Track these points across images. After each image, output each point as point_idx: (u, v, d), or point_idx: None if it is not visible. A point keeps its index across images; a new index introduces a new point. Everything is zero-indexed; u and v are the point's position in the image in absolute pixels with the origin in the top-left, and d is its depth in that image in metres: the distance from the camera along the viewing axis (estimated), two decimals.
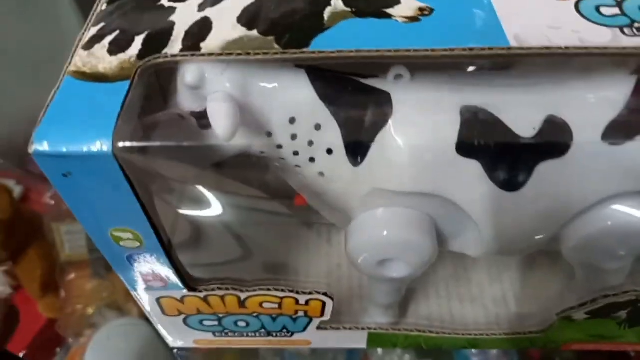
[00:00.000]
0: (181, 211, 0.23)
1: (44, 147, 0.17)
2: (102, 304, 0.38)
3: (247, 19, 0.19)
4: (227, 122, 0.18)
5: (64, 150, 0.17)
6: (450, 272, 0.32)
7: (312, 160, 0.22)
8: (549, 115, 0.20)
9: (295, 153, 0.22)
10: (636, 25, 0.19)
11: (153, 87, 0.20)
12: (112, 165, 0.17)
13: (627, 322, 0.27)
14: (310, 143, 0.21)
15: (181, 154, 0.19)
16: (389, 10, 0.20)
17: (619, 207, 0.21)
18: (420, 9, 0.19)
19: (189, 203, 0.23)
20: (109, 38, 0.20)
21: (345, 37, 0.19)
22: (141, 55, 0.19)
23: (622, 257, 0.23)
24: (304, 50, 0.18)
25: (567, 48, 0.18)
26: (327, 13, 0.20)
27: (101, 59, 0.19)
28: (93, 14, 0.21)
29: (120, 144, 0.17)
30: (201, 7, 0.20)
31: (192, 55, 0.18)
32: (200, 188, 0.23)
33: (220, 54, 0.18)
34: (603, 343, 0.29)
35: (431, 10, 0.19)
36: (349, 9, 0.20)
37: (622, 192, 0.21)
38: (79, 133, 0.17)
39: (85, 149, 0.17)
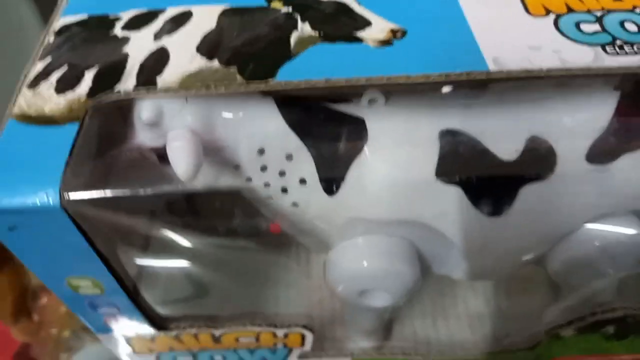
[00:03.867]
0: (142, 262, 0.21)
1: None
2: (78, 327, 0.36)
3: (207, 48, 0.18)
4: (188, 161, 0.17)
5: (6, 203, 0.15)
6: (435, 289, 0.31)
7: (284, 190, 0.20)
8: (531, 136, 0.19)
9: (266, 184, 0.20)
10: (618, 42, 0.18)
11: (111, 125, 0.18)
12: (62, 219, 0.15)
13: (614, 336, 0.26)
14: (282, 173, 0.20)
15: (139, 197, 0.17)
16: (360, 34, 0.18)
17: (606, 227, 0.21)
18: (393, 31, 0.18)
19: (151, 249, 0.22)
20: (56, 75, 0.18)
21: (314, 65, 0.17)
22: (91, 93, 0.17)
23: (610, 276, 0.23)
24: (268, 82, 0.17)
25: (548, 70, 0.17)
26: (293, 38, 0.18)
27: (47, 99, 0.17)
28: (40, 46, 0.19)
29: (70, 196, 0.15)
30: (157, 36, 0.19)
31: (148, 90, 0.17)
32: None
33: (178, 90, 0.17)
34: (591, 356, 0.29)
35: (404, 33, 0.18)
36: (316, 34, 0.18)
37: (608, 212, 0.20)
38: (22, 184, 0.15)
39: (30, 203, 0.15)
